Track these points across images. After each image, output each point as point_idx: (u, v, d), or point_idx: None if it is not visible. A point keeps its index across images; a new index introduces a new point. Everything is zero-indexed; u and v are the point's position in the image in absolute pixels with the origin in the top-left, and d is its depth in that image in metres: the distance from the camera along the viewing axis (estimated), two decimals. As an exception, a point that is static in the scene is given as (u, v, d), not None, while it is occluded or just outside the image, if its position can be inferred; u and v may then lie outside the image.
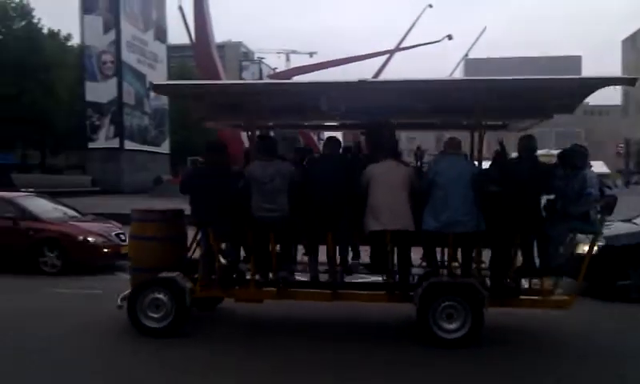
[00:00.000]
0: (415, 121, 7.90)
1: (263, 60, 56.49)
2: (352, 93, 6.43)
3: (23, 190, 14.23)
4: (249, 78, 56.60)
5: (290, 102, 6.95)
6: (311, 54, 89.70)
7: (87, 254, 10.46)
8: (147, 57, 40.11)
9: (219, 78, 31.03)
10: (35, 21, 43.91)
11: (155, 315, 6.23)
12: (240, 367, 5.32)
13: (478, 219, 5.92)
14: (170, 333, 6.17)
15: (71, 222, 11.10)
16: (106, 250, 10.62)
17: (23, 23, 43.34)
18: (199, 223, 6.47)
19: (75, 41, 48.17)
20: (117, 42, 36.89)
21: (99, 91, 37.32)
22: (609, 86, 6.34)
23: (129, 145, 37.32)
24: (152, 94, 40.03)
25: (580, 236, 7.05)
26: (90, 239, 10.51)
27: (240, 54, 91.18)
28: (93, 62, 37.74)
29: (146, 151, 39.30)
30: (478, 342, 5.79)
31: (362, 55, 36.88)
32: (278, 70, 61.26)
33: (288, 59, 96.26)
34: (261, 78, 54.53)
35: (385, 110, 6.90)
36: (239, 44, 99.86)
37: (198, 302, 6.69)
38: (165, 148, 42.66)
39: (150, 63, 40.54)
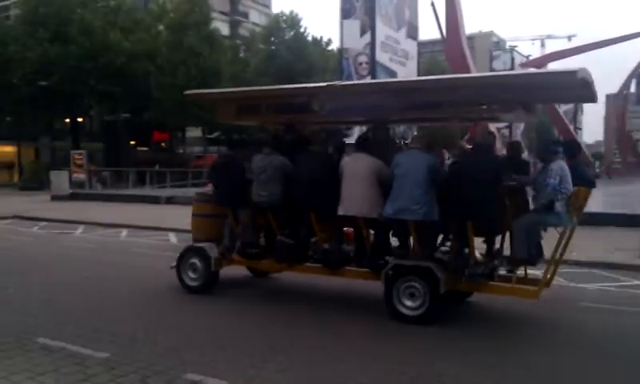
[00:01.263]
0: (401, 117, 8.14)
1: (515, 48, 53.86)
2: (330, 95, 7.69)
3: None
4: (500, 67, 54.50)
5: (292, 102, 8.05)
6: (570, 38, 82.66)
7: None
8: (399, 55, 41.42)
9: (468, 71, 31.00)
10: (302, 30, 48.73)
11: (193, 276, 7.99)
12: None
13: (429, 208, 6.45)
14: (201, 291, 7.87)
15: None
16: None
17: (292, 33, 48.40)
18: (221, 205, 8.08)
19: (334, 45, 52.26)
20: (372, 43, 38.74)
21: (354, 91, 39.65)
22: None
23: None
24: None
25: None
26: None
27: (491, 44, 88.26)
28: (350, 63, 40.34)
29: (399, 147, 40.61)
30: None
31: (621, 37, 32.75)
32: (531, 58, 57.86)
33: (543, 45, 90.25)
34: (512, 68, 52.18)
35: (362, 110, 7.72)
36: (490, 34, 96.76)
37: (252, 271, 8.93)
38: (412, 143, 43.54)
39: (401, 61, 41.79)
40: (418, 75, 44.25)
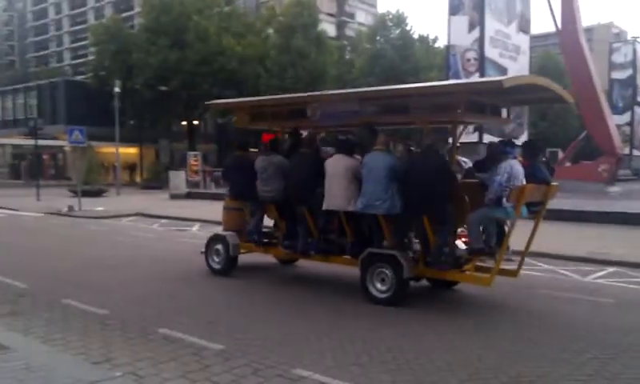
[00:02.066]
0: (379, 121, 8.44)
1: (638, 40, 49.91)
2: (320, 103, 8.74)
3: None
4: (620, 60, 50.79)
5: (291, 109, 9.24)
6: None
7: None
8: (509, 50, 39.87)
9: (585, 64, 29.36)
10: (408, 28, 48.31)
11: (216, 259, 9.35)
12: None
13: (391, 203, 7.24)
14: (223, 273, 9.16)
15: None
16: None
17: (398, 32, 48.12)
18: (235, 198, 9.53)
19: (441, 42, 51.32)
20: (480, 39, 37.62)
21: (461, 88, 38.71)
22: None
23: (487, 138, 37.69)
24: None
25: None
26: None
27: (611, 36, 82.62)
28: (457, 60, 39.40)
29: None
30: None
31: None
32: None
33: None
34: (635, 60, 48.47)
35: (346, 116, 8.52)
36: (609, 25, 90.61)
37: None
38: (523, 141, 41.79)
39: (512, 55, 40.19)
40: (530, 71, 42.46)
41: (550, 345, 5.88)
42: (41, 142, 32.16)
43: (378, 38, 48.59)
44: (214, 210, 20.94)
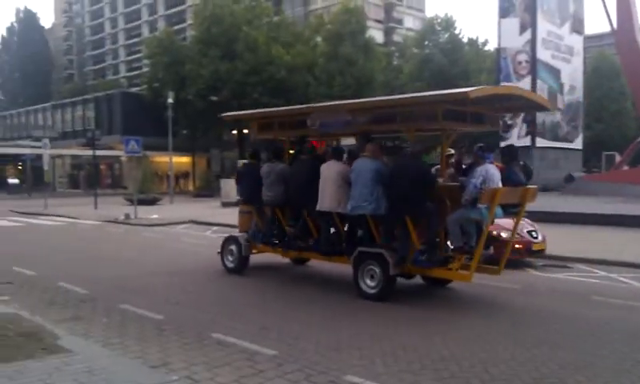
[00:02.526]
0: (372, 129, 9.03)
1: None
2: (319, 114, 9.39)
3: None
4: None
5: (293, 120, 10.00)
6: None
7: (499, 248, 10.98)
8: (562, 51, 38.87)
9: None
10: (457, 32, 47.76)
11: (230, 258, 10.24)
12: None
13: (377, 205, 7.86)
14: (236, 271, 10.02)
15: (485, 218, 11.82)
16: (517, 246, 10.93)
17: (447, 36, 47.65)
18: (245, 202, 10.59)
19: (491, 45, 50.46)
20: (532, 41, 36.86)
21: (513, 91, 37.96)
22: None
23: (540, 142, 36.80)
24: (566, 88, 38.71)
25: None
26: (502, 234, 11.01)
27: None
28: (508, 63, 38.68)
29: (558, 148, 38.13)
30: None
31: None
32: None
33: None
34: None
35: (340, 125, 9.11)
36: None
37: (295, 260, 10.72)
38: (578, 144, 40.54)
39: (565, 57, 39.16)
40: (584, 72, 41.23)
41: (613, 355, 5.69)
42: (98, 153, 33.36)
43: (426, 42, 48.24)
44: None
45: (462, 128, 9.21)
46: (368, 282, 8.07)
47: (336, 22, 44.29)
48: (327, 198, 8.48)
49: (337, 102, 10.23)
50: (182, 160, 48.52)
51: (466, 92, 7.29)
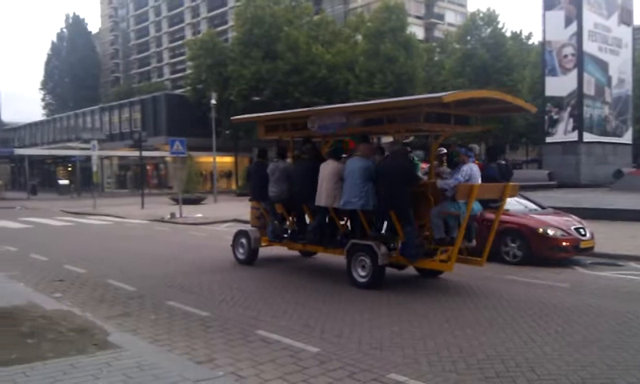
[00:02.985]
0: (368, 131, 9.66)
1: None
2: (318, 116, 9.97)
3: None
4: None
5: (295, 122, 10.63)
6: None
7: (546, 246, 10.74)
8: (609, 43, 37.69)
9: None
10: (500, 26, 46.85)
11: (241, 251, 11.06)
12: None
13: (366, 200, 8.51)
14: (247, 263, 10.89)
15: (531, 215, 11.48)
16: (564, 243, 10.70)
17: (489, 30, 46.81)
18: (254, 199, 11.25)
19: (536, 39, 49.34)
20: (578, 34, 35.87)
21: (558, 85, 37.01)
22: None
23: (588, 137, 35.82)
24: (614, 81, 37.54)
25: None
26: (549, 232, 10.78)
27: None
28: (553, 56, 37.73)
29: (606, 143, 37.00)
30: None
31: None
32: None
33: None
34: None
35: (337, 126, 9.63)
36: None
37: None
38: (627, 138, 39.24)
39: (613, 49, 37.95)
40: (634, 64, 39.89)
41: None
42: (144, 153, 34.12)
43: (468, 37, 47.48)
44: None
45: (446, 129, 9.59)
46: (359, 271, 8.78)
47: (376, 19, 44.09)
48: (324, 195, 9.21)
49: (332, 106, 10.85)
50: (225, 160, 49.14)
51: (439, 97, 7.93)
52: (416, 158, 9.46)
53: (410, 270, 9.67)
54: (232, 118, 13.47)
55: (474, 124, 9.94)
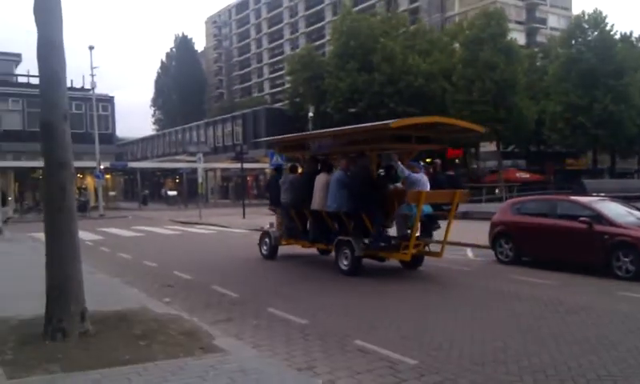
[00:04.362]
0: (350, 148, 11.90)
1: None
2: (316, 139, 12.98)
3: (595, 194, 14.49)
4: None
5: (300, 143, 13.57)
6: None
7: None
8: None
9: None
10: (607, 28, 44.16)
11: (265, 248, 13.50)
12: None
13: (340, 203, 10.83)
14: (269, 258, 13.24)
15: (646, 227, 10.77)
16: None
17: (596, 33, 44.27)
18: (274, 206, 13.70)
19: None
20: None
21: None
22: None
23: None
24: None
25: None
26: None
27: None
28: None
29: None
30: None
31: None
32: None
33: None
34: None
35: (328, 146, 12.38)
36: None
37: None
38: None
39: None
40: None
41: None
42: (246, 165, 35.33)
43: (573, 41, 45.12)
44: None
45: (408, 148, 11.76)
46: (343, 261, 10.90)
47: (475, 26, 43.07)
48: (317, 201, 11.49)
49: (323, 131, 14.18)
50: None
51: (387, 123, 10.25)
52: (399, 169, 10.93)
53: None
54: (255, 140, 14.33)
55: (434, 143, 12.54)
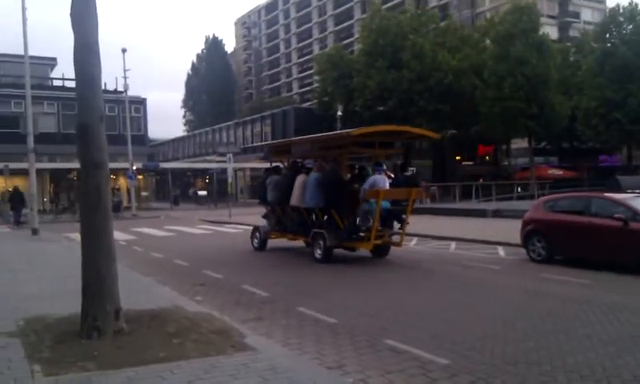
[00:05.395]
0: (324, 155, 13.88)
1: None
2: (297, 145, 15.46)
3: (630, 191, 14.18)
4: None
5: (284, 149, 15.98)
6: None
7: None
8: None
9: None
10: (645, 20, 43.09)
11: (256, 241, 15.26)
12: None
13: (316, 201, 12.63)
14: (259, 249, 15.01)
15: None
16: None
17: (631, 26, 43.24)
18: (263, 203, 15.45)
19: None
20: None
21: None
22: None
23: None
24: None
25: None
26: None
27: None
28: None
29: None
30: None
31: None
32: None
33: None
34: None
35: (307, 151, 14.79)
36: None
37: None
38: None
39: None
40: None
41: None
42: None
43: (607, 35, 44.12)
44: (431, 224, 21.00)
45: (372, 152, 14.02)
46: (318, 250, 12.59)
47: (506, 21, 42.46)
48: (295, 197, 13.19)
49: (303, 137, 16.02)
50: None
51: (349, 132, 12.66)
52: (369, 170, 13.25)
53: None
54: (261, 143, 15.10)
55: (397, 147, 15.23)
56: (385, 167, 13.05)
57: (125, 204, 37.47)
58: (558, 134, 46.12)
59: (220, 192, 44.87)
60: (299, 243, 14.64)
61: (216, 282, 10.43)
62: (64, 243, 17.49)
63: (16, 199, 27.74)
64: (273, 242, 15.44)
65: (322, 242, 12.42)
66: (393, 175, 13.30)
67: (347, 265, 12.51)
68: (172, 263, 13.15)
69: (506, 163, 55.96)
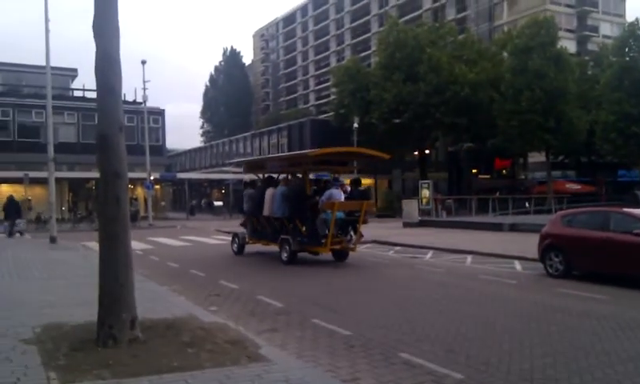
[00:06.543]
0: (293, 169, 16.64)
1: None
2: (269, 161, 19.16)
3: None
4: None
5: (258, 165, 18.93)
6: None
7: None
8: None
9: None
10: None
11: (235, 245, 17.18)
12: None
13: (283, 211, 14.65)
14: (238, 253, 16.88)
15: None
16: None
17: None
18: (241, 213, 18.74)
19: None
20: None
21: None
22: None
23: None
24: None
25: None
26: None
27: None
28: None
29: None
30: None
31: None
32: None
33: None
34: None
35: (278, 167, 17.26)
36: None
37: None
38: None
39: None
40: None
41: None
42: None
43: (626, 49, 43.73)
44: (447, 237, 20.91)
45: (329, 170, 17.03)
46: (284, 254, 14.46)
47: (524, 34, 42.30)
48: (266, 208, 15.24)
49: (274, 155, 19.20)
50: (365, 181, 49.48)
51: (306, 153, 15.70)
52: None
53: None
54: (230, 161, 16.49)
55: (352, 165, 18.86)
56: (342, 182, 15.41)
57: (142, 214, 37.77)
58: (575, 148, 45.69)
59: (236, 202, 45.09)
60: (275, 248, 15.72)
61: (231, 293, 10.45)
62: (82, 252, 17.66)
63: (10, 209, 25.29)
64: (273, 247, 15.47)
65: (287, 247, 14.37)
66: (349, 189, 15.31)
67: (362, 278, 12.47)
68: (188, 273, 13.21)
69: (523, 177, 55.49)
